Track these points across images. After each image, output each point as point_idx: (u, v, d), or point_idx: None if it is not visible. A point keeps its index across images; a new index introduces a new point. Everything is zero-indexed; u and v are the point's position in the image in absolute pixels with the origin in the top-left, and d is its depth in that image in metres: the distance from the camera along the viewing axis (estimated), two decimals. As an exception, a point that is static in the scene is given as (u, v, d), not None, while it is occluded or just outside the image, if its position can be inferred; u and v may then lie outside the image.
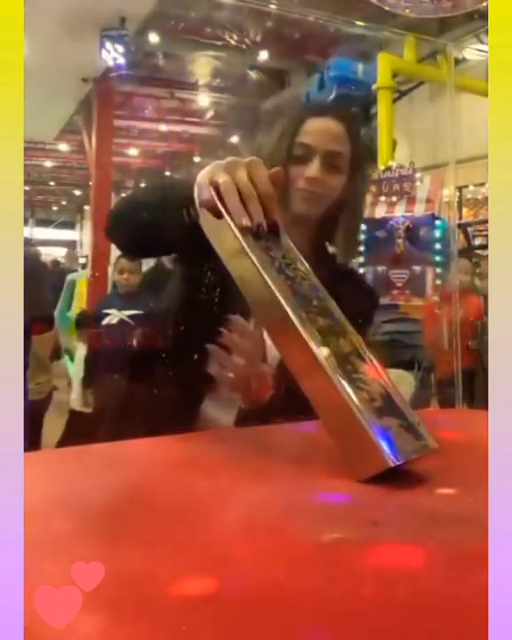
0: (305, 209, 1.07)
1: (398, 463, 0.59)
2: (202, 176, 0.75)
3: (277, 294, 0.65)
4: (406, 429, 0.62)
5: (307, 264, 0.73)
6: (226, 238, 0.70)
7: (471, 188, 8.13)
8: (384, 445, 0.59)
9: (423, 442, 0.63)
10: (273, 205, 0.73)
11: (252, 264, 0.67)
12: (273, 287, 0.66)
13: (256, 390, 0.92)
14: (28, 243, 3.40)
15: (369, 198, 4.14)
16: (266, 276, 0.66)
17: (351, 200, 1.11)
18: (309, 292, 0.69)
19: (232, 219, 0.69)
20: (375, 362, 0.66)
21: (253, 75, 10.28)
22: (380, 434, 0.60)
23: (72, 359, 5.19)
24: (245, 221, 0.70)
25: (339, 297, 0.73)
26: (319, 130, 1.07)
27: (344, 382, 0.62)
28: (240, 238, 0.68)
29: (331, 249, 1.15)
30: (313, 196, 1.06)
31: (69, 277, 6.23)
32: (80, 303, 5.61)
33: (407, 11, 2.10)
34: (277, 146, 1.07)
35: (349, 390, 0.62)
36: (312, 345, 0.63)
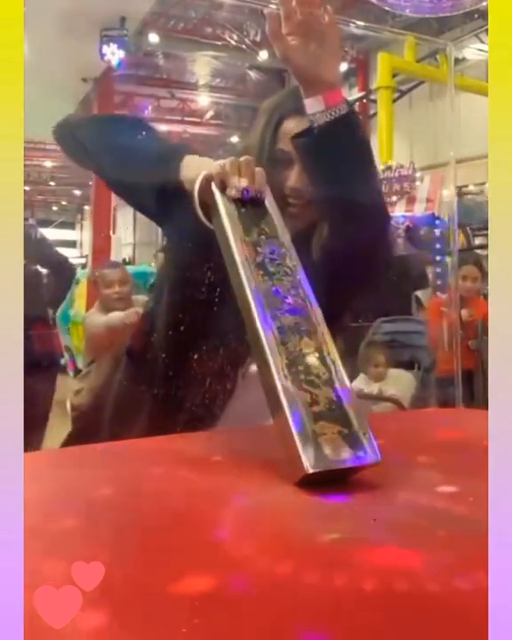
0: (299, 225, 0.96)
1: (313, 471, 0.56)
2: (199, 179, 0.79)
3: (246, 287, 0.69)
4: (344, 437, 0.59)
5: (296, 261, 0.74)
6: (219, 226, 0.76)
7: (471, 187, 8.12)
8: (305, 451, 0.57)
9: (360, 452, 0.59)
10: (262, 181, 0.80)
11: (233, 256, 0.72)
12: (244, 280, 0.69)
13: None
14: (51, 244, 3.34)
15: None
16: (240, 268, 0.70)
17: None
18: (287, 290, 0.70)
19: (227, 190, 0.77)
20: (338, 365, 0.65)
21: (253, 75, 10.29)
22: (306, 438, 0.58)
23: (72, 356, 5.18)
24: (244, 182, 0.77)
25: None
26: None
27: (287, 382, 0.61)
28: (227, 226, 0.74)
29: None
30: (302, 209, 0.97)
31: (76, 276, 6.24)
32: (80, 302, 5.62)
33: (407, 10, 2.10)
34: (258, 155, 0.97)
35: (290, 390, 0.61)
36: (263, 340, 0.64)
